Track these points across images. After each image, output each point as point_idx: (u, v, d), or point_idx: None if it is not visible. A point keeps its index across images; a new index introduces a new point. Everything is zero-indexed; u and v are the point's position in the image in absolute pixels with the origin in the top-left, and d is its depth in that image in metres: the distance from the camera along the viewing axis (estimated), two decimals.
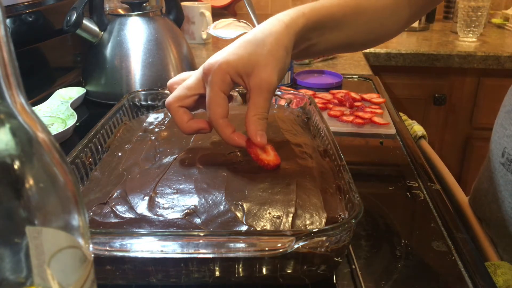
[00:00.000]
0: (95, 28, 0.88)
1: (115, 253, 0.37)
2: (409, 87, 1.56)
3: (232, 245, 0.37)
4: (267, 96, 0.47)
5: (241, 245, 0.37)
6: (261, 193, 0.45)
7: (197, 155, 0.52)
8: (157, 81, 0.89)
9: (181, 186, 0.46)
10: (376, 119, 0.81)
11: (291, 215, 0.42)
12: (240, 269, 0.40)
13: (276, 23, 0.50)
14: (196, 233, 0.38)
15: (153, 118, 0.65)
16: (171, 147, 0.54)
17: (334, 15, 0.57)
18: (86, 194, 0.46)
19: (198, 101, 0.51)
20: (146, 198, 0.44)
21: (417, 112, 1.56)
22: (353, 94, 0.92)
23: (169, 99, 0.51)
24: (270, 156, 0.49)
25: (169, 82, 0.55)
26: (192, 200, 0.44)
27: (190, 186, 0.46)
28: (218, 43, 1.47)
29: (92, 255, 0.24)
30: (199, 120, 0.50)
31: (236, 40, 0.50)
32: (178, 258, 0.39)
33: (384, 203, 0.58)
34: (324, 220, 0.42)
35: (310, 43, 0.56)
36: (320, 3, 0.56)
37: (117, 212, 0.42)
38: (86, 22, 0.87)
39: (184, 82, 0.51)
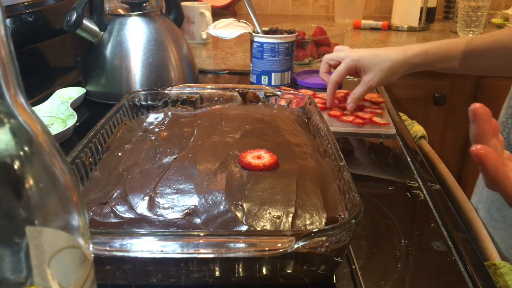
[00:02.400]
0: (95, 28, 0.88)
1: (115, 253, 0.37)
2: (409, 87, 1.56)
3: (232, 245, 0.37)
4: (366, 89, 0.80)
5: (241, 245, 0.37)
6: (261, 193, 0.45)
7: (197, 155, 0.52)
8: (157, 81, 0.89)
9: (181, 186, 0.46)
10: (376, 119, 0.81)
11: (291, 215, 0.42)
12: (240, 269, 0.40)
13: (399, 54, 0.77)
14: (196, 233, 0.38)
15: (153, 118, 0.65)
16: (171, 147, 0.54)
17: (455, 53, 0.76)
18: (86, 194, 0.46)
19: (336, 66, 0.85)
20: (146, 198, 0.44)
21: (417, 112, 1.56)
22: None
23: (326, 56, 0.89)
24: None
25: (329, 56, 0.89)
26: (192, 200, 0.44)
27: (190, 186, 0.46)
28: (218, 43, 1.47)
29: (92, 255, 0.24)
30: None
31: (373, 49, 0.81)
32: (178, 258, 0.39)
33: (384, 203, 0.58)
34: (324, 220, 0.42)
35: (427, 67, 0.78)
36: (447, 42, 0.77)
37: (117, 212, 0.42)
38: (86, 22, 0.87)
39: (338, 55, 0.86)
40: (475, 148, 0.37)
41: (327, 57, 0.87)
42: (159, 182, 0.47)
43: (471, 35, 1.62)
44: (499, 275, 0.53)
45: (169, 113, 0.66)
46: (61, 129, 0.73)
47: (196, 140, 0.56)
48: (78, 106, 0.88)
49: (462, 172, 1.64)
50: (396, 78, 0.78)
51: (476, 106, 0.38)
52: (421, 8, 1.72)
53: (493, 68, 0.78)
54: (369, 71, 0.78)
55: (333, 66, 0.85)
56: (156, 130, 0.61)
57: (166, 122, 0.63)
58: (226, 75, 1.14)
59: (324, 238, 0.38)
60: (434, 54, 0.75)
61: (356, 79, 1.10)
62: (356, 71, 0.81)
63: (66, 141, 0.74)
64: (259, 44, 0.97)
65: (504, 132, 0.69)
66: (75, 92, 0.89)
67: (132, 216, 0.42)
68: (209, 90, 0.71)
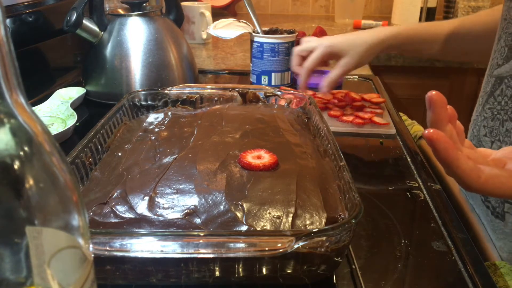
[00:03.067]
0: (95, 28, 0.88)
1: (115, 253, 0.37)
2: (409, 87, 1.56)
3: (232, 245, 0.37)
4: (341, 73, 0.80)
5: (241, 245, 0.37)
6: (261, 193, 0.45)
7: (197, 155, 0.52)
8: (157, 81, 0.89)
9: (181, 186, 0.46)
10: (376, 119, 0.81)
11: (291, 215, 0.42)
12: (240, 269, 0.40)
13: (373, 36, 0.79)
14: (196, 233, 0.38)
15: (153, 118, 0.65)
16: (171, 147, 0.54)
17: (427, 34, 0.82)
18: (86, 194, 0.46)
19: (307, 56, 0.83)
20: (146, 198, 0.44)
21: (417, 112, 1.56)
22: (353, 94, 0.92)
23: (297, 48, 0.85)
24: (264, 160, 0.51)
25: (299, 48, 0.85)
26: (192, 200, 0.44)
27: (190, 186, 0.46)
28: (218, 43, 1.47)
29: (92, 255, 0.24)
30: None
31: (346, 34, 0.82)
32: (178, 258, 0.39)
33: (384, 203, 0.58)
34: (324, 220, 0.42)
35: (400, 50, 0.84)
36: (421, 24, 0.81)
37: (117, 212, 0.42)
38: (86, 22, 0.87)
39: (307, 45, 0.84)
40: (427, 131, 0.37)
41: (298, 49, 0.83)
42: (159, 182, 0.47)
43: None
44: (499, 275, 0.53)
45: (169, 113, 0.66)
46: (61, 129, 0.73)
47: (196, 140, 0.56)
48: (78, 106, 0.88)
49: None
50: (370, 59, 0.81)
51: (432, 93, 0.39)
52: (421, 8, 1.72)
53: (458, 53, 0.84)
54: (345, 55, 0.79)
55: (305, 58, 0.83)
56: (156, 130, 0.61)
57: (166, 122, 0.63)
58: (226, 75, 1.14)
59: (324, 238, 0.38)
60: (405, 36, 0.81)
61: (356, 79, 1.10)
62: (327, 60, 0.83)
63: (66, 141, 0.74)
64: (259, 44, 0.97)
65: (474, 129, 0.69)
66: (75, 92, 0.89)
67: (132, 216, 0.42)
68: (209, 90, 0.71)
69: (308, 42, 0.84)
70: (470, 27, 0.80)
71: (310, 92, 0.92)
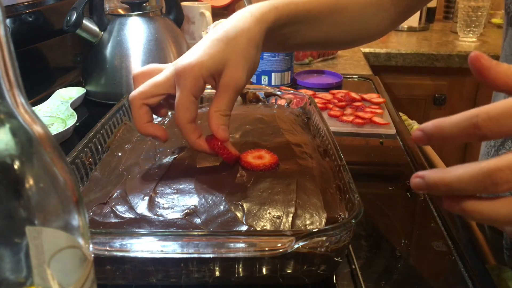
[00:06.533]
0: (95, 28, 0.88)
1: (115, 253, 0.37)
2: (409, 87, 1.56)
3: (232, 245, 0.37)
4: (233, 95, 0.47)
5: (241, 245, 0.37)
6: (261, 193, 0.45)
7: (197, 155, 0.52)
8: None
9: (181, 186, 0.46)
10: (376, 119, 0.81)
11: (291, 215, 0.42)
12: (240, 269, 0.40)
13: (247, 19, 0.49)
14: (196, 233, 0.38)
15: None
16: (171, 147, 0.54)
17: (309, 12, 0.56)
18: (86, 194, 0.46)
19: (164, 100, 0.49)
20: (146, 198, 0.44)
21: (417, 112, 1.56)
22: (353, 94, 0.92)
23: (134, 93, 0.48)
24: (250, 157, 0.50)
25: (135, 72, 0.52)
26: (192, 200, 0.44)
27: (190, 186, 0.46)
28: None
29: (92, 255, 0.24)
30: (158, 126, 0.50)
31: (207, 37, 0.49)
32: (178, 258, 0.39)
33: (384, 203, 0.58)
34: (324, 220, 0.42)
35: (283, 38, 0.55)
36: None
37: (117, 212, 0.42)
38: (86, 22, 0.87)
39: (152, 78, 0.49)
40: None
41: (138, 97, 0.48)
42: (159, 182, 0.47)
43: (471, 35, 1.62)
44: (503, 278, 0.52)
45: (169, 113, 0.66)
46: (61, 129, 0.73)
47: None
48: (78, 106, 0.88)
49: None
50: (259, 55, 0.50)
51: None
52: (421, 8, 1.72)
53: (333, 35, 0.62)
54: (225, 66, 0.46)
55: (153, 106, 0.50)
56: None
57: (166, 122, 0.63)
58: None
59: (324, 238, 0.38)
60: (283, 8, 0.53)
61: (356, 79, 1.10)
62: (202, 90, 0.47)
63: (66, 141, 0.74)
64: None
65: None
66: (75, 92, 0.89)
67: (132, 216, 0.42)
68: (209, 90, 0.71)
69: (148, 78, 0.49)
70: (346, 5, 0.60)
71: (310, 93, 0.92)
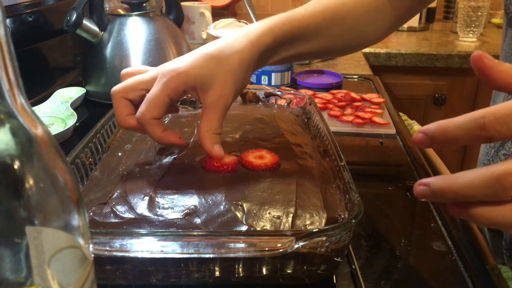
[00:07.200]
0: (95, 28, 0.88)
1: (115, 253, 0.37)
2: (409, 87, 1.56)
3: (232, 245, 0.37)
4: (221, 114, 0.47)
5: (241, 245, 0.37)
6: (261, 193, 0.45)
7: (197, 155, 0.52)
8: None
9: (181, 186, 0.46)
10: (376, 119, 0.81)
11: (291, 215, 0.42)
12: (240, 269, 0.40)
13: (243, 41, 0.50)
14: (196, 233, 0.38)
15: None
16: (171, 147, 0.54)
17: (306, 29, 0.56)
18: (86, 194, 0.46)
19: (144, 97, 0.49)
20: (146, 198, 0.44)
21: (417, 112, 1.56)
22: (353, 94, 0.92)
23: (116, 87, 0.50)
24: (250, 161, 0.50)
25: (123, 71, 0.53)
26: (192, 200, 0.44)
27: (190, 186, 0.46)
28: None
29: (92, 255, 0.24)
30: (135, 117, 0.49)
31: (201, 49, 0.49)
32: (178, 258, 0.39)
33: (384, 203, 0.58)
34: (324, 220, 0.42)
35: (279, 56, 0.56)
36: (291, 15, 0.55)
37: (117, 212, 0.42)
38: (86, 22, 0.87)
39: (138, 75, 0.50)
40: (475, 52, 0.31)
41: (118, 90, 0.50)
42: (159, 182, 0.47)
43: (470, 35, 1.62)
44: (503, 279, 0.52)
45: (169, 113, 0.66)
46: (61, 129, 0.73)
47: (196, 140, 0.56)
48: (78, 106, 0.88)
49: None
50: (249, 78, 0.51)
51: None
52: None
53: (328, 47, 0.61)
54: (212, 84, 0.46)
55: (135, 101, 0.50)
56: None
57: (166, 122, 0.63)
58: None
59: (324, 238, 0.38)
60: (279, 30, 0.53)
61: (356, 79, 1.10)
62: (180, 96, 0.48)
63: (66, 141, 0.74)
64: None
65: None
66: (75, 92, 0.89)
67: (132, 216, 0.42)
68: None
69: (135, 74, 0.51)
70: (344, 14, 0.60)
71: (310, 93, 0.92)
